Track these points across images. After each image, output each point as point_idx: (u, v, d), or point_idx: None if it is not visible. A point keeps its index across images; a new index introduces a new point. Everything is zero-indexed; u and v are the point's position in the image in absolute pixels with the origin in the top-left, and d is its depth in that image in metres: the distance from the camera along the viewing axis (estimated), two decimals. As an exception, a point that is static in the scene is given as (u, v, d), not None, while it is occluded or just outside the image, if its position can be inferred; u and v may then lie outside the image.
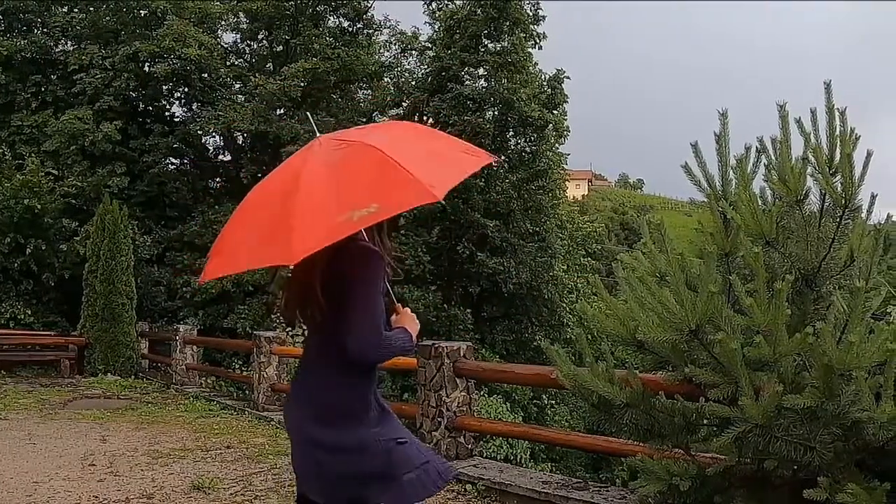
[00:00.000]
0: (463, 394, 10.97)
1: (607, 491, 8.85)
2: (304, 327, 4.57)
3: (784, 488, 5.75)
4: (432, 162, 4.20)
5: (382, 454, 4.24)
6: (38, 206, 28.99)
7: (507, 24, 37.70)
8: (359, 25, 40.84)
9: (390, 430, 4.33)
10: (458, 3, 39.43)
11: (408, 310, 4.66)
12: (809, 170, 6.07)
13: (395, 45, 42.75)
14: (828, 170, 6.01)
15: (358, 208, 3.79)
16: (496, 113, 38.30)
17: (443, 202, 4.03)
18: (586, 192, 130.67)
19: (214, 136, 38.59)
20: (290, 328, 18.44)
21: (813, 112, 6.16)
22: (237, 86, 38.73)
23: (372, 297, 4.13)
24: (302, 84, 35.13)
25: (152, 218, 34.45)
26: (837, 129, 6.07)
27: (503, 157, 39.64)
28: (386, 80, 41.66)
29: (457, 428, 10.84)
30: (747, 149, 6.41)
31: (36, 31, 37.09)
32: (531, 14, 38.77)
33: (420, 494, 4.31)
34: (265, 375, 16.72)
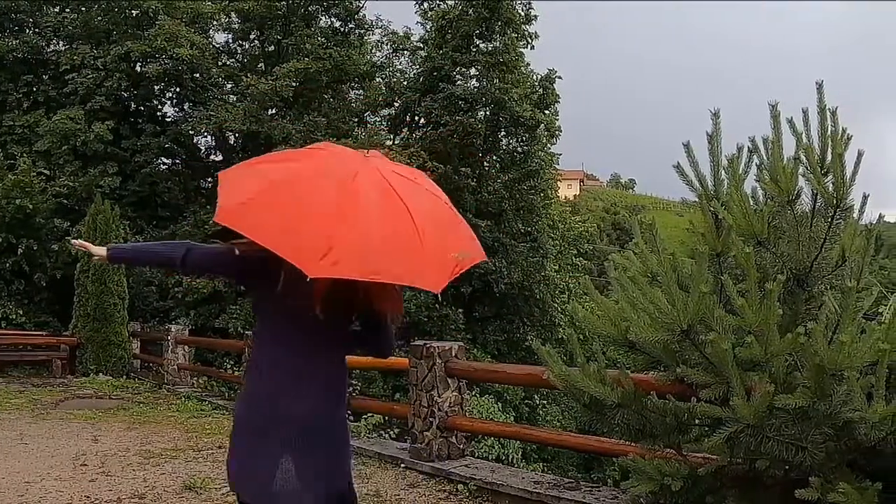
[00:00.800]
0: (454, 394, 10.98)
1: (599, 491, 8.86)
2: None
3: (776, 488, 5.76)
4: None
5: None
6: (30, 206, 28.97)
7: (499, 24, 37.77)
8: (350, 25, 40.89)
9: None
10: (449, 3, 39.52)
11: None
12: (801, 170, 6.07)
13: (386, 45, 42.82)
14: (819, 170, 6.01)
15: (460, 251, 4.11)
16: (488, 113, 38.38)
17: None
18: (578, 193, 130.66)
19: (206, 136, 38.60)
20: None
21: (805, 112, 6.17)
22: (229, 86, 38.76)
23: None
24: (294, 84, 35.19)
25: (144, 218, 34.43)
26: (829, 129, 6.07)
27: (495, 157, 39.74)
28: (378, 80, 41.66)
29: (448, 428, 10.85)
30: (739, 149, 6.40)
31: (27, 31, 37.11)
32: (523, 14, 38.87)
33: None
34: (256, 376, 16.68)
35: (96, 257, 4.82)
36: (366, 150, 4.33)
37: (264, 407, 4.33)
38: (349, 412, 4.84)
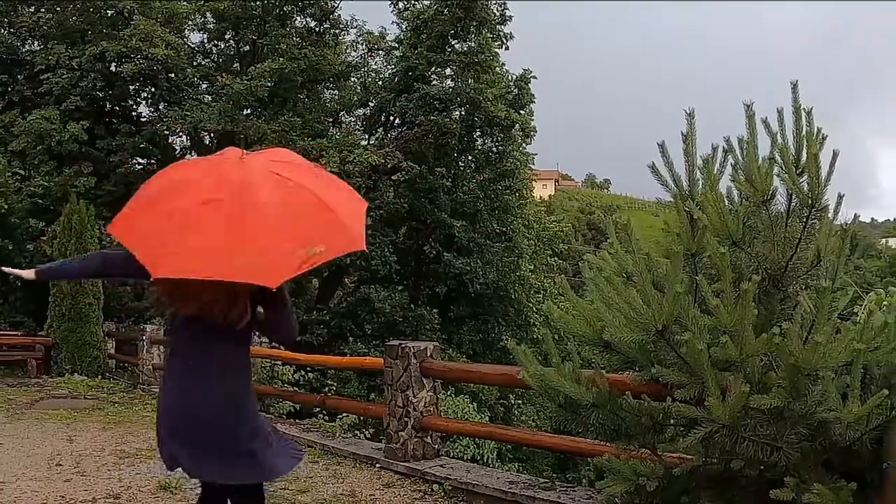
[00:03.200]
0: (430, 394, 10.96)
1: (574, 491, 8.86)
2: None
3: (751, 488, 5.76)
4: (351, 210, 4.70)
5: None
6: (5, 206, 28.98)
7: (474, 24, 37.82)
8: (326, 25, 40.83)
9: None
10: (424, 2, 39.48)
11: None
12: (776, 170, 6.07)
13: (361, 45, 42.74)
14: (794, 170, 6.01)
15: (313, 246, 4.30)
16: (463, 113, 38.42)
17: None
18: (553, 192, 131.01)
19: (181, 137, 38.55)
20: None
21: (780, 112, 6.16)
22: (204, 86, 38.73)
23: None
24: (269, 84, 35.18)
25: (119, 218, 34.25)
26: (804, 129, 6.07)
27: (470, 157, 39.77)
28: (353, 79, 41.65)
29: (423, 428, 10.83)
30: (714, 149, 6.40)
31: (2, 30, 37.10)
32: (498, 14, 38.89)
33: None
34: (230, 375, 16.63)
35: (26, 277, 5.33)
36: (242, 153, 4.72)
37: (163, 403, 4.97)
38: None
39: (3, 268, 5.67)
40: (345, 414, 15.30)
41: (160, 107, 37.50)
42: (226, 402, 4.81)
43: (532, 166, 44.86)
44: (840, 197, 6.13)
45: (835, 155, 6.04)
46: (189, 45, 39.40)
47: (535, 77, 41.00)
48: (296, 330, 5.24)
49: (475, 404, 30.53)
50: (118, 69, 34.94)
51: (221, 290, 4.58)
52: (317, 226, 4.41)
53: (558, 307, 7.13)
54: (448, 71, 38.96)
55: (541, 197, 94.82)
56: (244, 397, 4.96)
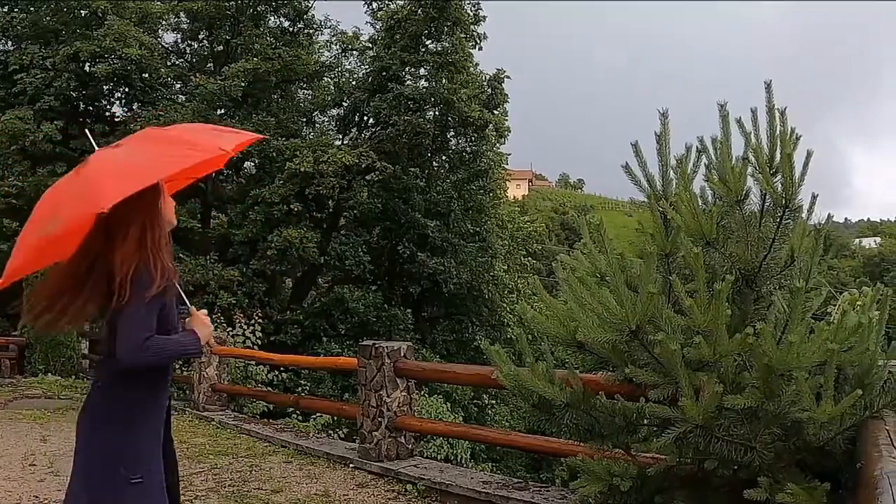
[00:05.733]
0: (403, 394, 10.98)
1: (548, 491, 8.88)
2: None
3: (724, 488, 5.77)
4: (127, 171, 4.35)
5: None
6: (-21, 207, 28.85)
7: (448, 24, 37.74)
8: (299, 25, 40.80)
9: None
10: (398, 2, 39.44)
11: (200, 312, 4.80)
12: (750, 170, 6.08)
13: (335, 45, 42.58)
14: (768, 170, 6.02)
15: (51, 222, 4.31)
16: (437, 113, 38.37)
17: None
18: (527, 192, 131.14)
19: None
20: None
21: (753, 112, 6.17)
22: (178, 86, 38.67)
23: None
24: (243, 84, 35.08)
25: (93, 218, 34.17)
26: (778, 129, 6.08)
27: (444, 157, 39.83)
28: (326, 80, 41.58)
29: (397, 428, 10.85)
30: (688, 148, 6.40)
31: (-24, 31, 36.83)
32: (472, 14, 38.86)
33: None
34: (205, 375, 16.61)
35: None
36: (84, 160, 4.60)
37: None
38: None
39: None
40: (318, 414, 15.35)
41: (134, 107, 37.32)
42: None
43: (506, 166, 44.82)
44: (814, 197, 6.13)
45: (809, 155, 6.06)
46: (163, 45, 39.28)
47: (508, 77, 40.99)
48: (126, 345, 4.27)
49: (449, 404, 30.57)
50: (92, 69, 34.75)
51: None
52: (62, 202, 4.42)
53: (532, 307, 7.12)
54: (422, 71, 38.89)
55: (514, 197, 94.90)
56: None
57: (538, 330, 6.56)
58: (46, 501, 9.30)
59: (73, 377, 24.47)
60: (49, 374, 24.18)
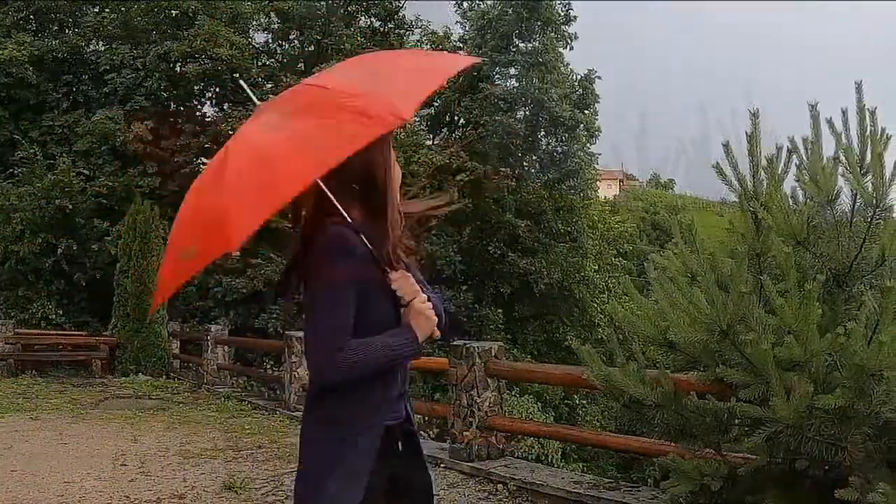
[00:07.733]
0: (494, 394, 10.96)
1: (639, 491, 8.84)
2: None
3: (815, 488, 5.75)
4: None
5: None
6: (70, 206, 29.32)
7: (539, 24, 37.66)
8: (390, 25, 40.84)
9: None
10: (489, 2, 39.43)
11: (416, 301, 3.75)
12: (840, 170, 6.06)
13: (426, 44, 42.51)
14: (859, 170, 6.00)
15: (188, 246, 3.48)
16: (527, 113, 38.29)
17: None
18: (618, 193, 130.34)
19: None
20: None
21: (844, 112, 6.15)
22: (268, 86, 38.80)
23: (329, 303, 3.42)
24: (333, 83, 35.18)
25: (183, 219, 34.45)
26: (868, 129, 6.05)
27: (534, 157, 39.74)
28: (417, 80, 41.52)
29: (488, 428, 10.83)
30: (778, 149, 6.40)
31: (67, 31, 37.38)
32: (562, 14, 38.75)
33: None
34: (296, 375, 16.61)
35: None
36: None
37: None
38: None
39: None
40: (410, 413, 15.31)
41: (225, 107, 37.58)
42: None
43: (596, 166, 44.56)
44: (905, 197, 6.10)
45: (901, 154, 6.03)
46: (253, 46, 39.45)
47: (599, 77, 40.79)
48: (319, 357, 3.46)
49: (539, 404, 30.52)
50: (182, 69, 35.06)
51: None
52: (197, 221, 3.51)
53: (623, 307, 7.13)
54: (512, 71, 38.80)
55: (605, 197, 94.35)
56: None
57: (629, 330, 6.57)
58: (137, 501, 9.37)
59: (164, 377, 24.79)
60: (140, 374, 24.52)
